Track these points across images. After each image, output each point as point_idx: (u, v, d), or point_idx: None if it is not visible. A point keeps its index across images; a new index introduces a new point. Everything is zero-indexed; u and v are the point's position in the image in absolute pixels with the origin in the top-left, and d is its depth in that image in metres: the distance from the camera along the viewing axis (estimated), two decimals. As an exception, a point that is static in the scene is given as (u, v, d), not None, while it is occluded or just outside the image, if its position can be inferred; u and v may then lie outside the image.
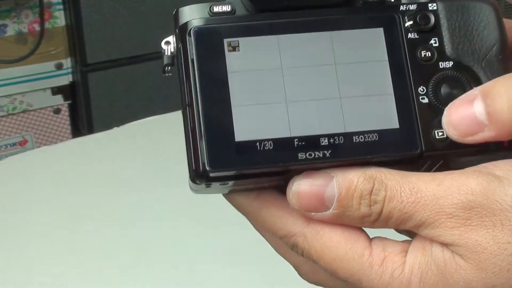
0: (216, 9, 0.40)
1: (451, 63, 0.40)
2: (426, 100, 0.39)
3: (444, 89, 0.40)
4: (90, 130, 1.75)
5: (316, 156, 0.38)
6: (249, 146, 0.38)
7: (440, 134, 0.39)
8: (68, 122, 1.80)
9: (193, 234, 0.83)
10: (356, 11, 0.40)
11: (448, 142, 0.38)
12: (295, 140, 0.38)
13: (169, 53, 0.41)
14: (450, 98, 0.39)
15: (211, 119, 0.38)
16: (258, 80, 0.38)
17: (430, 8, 0.40)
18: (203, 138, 0.37)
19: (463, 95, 0.37)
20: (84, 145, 1.08)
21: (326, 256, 0.38)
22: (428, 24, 0.40)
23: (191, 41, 0.39)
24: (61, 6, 1.68)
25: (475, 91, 0.37)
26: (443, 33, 0.40)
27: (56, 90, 1.76)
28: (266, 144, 0.38)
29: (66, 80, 1.75)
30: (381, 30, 0.40)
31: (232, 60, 0.38)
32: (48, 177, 0.97)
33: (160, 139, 1.04)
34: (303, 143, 0.38)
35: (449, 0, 0.40)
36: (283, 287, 0.74)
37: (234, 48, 0.39)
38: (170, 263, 0.79)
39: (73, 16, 1.67)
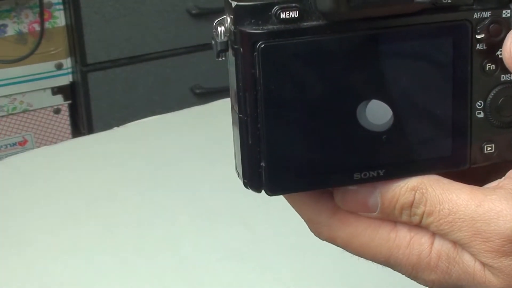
0: (283, 15, 0.35)
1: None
2: (481, 115, 0.39)
3: (502, 103, 0.38)
4: (90, 130, 1.75)
5: (371, 175, 0.38)
6: (310, 169, 0.38)
7: (489, 148, 0.39)
8: (68, 122, 1.80)
9: (193, 234, 0.83)
10: (431, 19, 0.37)
11: (495, 155, 0.39)
12: (354, 163, 0.38)
13: (223, 38, 0.37)
14: (507, 113, 0.38)
15: (275, 143, 0.37)
16: (325, 101, 0.37)
17: (503, 16, 0.38)
18: (263, 161, 0.37)
19: None
20: (84, 145, 1.08)
21: (353, 244, 0.39)
22: (499, 36, 0.38)
23: (257, 58, 0.36)
24: (61, 6, 1.68)
25: None
26: None
27: (56, 90, 1.76)
28: (326, 166, 0.38)
29: (66, 80, 1.75)
30: (451, 40, 0.38)
31: (302, 80, 0.36)
32: (48, 177, 0.97)
33: (160, 139, 1.04)
34: (360, 166, 0.38)
35: None
36: (286, 286, 0.74)
37: (304, 66, 0.36)
38: (171, 263, 0.79)
39: (73, 16, 1.67)
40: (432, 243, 0.38)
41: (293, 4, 0.35)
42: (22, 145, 1.77)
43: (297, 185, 0.38)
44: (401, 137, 0.38)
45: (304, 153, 0.37)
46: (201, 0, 1.74)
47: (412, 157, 0.38)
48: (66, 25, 1.70)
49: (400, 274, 0.41)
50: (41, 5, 1.63)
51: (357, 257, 0.41)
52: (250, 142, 0.37)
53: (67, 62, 1.73)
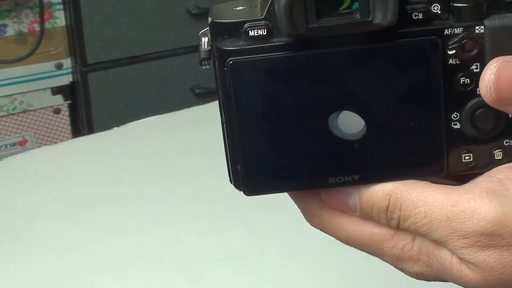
0: (252, 32, 0.38)
1: None
2: (458, 126, 0.39)
3: (478, 116, 0.39)
4: (90, 130, 1.75)
5: (346, 180, 0.40)
6: (284, 173, 0.40)
7: (467, 158, 0.40)
8: (68, 122, 1.80)
9: (193, 234, 0.83)
10: (399, 35, 0.38)
11: (474, 165, 0.40)
12: (328, 168, 0.40)
13: (205, 47, 0.39)
14: (483, 124, 0.39)
15: (248, 149, 0.40)
16: (295, 112, 0.39)
17: (476, 31, 0.38)
18: (239, 165, 0.40)
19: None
20: (84, 145, 1.08)
21: (341, 236, 0.41)
22: (472, 51, 0.38)
23: (228, 73, 0.38)
24: (61, 6, 1.68)
25: None
26: (486, 57, 0.38)
27: (56, 90, 1.76)
28: (299, 170, 0.40)
29: (66, 80, 1.75)
30: (420, 56, 0.38)
31: (270, 93, 0.39)
32: (48, 177, 0.97)
33: (160, 139, 1.03)
34: (334, 170, 0.40)
35: (494, 20, 0.37)
36: (285, 287, 0.74)
37: (271, 81, 0.38)
38: (171, 263, 0.79)
39: (73, 16, 1.67)
40: (413, 238, 0.40)
41: (263, 22, 0.37)
42: (22, 145, 1.77)
43: (273, 187, 0.41)
44: (374, 145, 0.40)
45: (277, 159, 0.40)
46: (201, 0, 1.74)
47: (387, 164, 0.40)
48: (66, 25, 1.70)
49: (403, 274, 0.42)
50: (41, 5, 1.63)
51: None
52: (230, 146, 0.40)
53: (67, 62, 1.73)
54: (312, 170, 0.40)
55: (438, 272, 0.40)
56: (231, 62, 0.38)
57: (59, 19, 1.69)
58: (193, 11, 1.75)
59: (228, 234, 0.82)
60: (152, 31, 1.74)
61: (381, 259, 0.42)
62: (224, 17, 0.38)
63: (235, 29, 0.38)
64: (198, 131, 1.02)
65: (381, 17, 0.36)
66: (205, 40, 0.39)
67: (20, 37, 1.67)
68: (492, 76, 0.36)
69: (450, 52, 0.38)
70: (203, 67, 0.40)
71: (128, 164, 0.98)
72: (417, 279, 0.41)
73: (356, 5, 0.37)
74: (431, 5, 0.37)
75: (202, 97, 1.76)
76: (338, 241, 0.43)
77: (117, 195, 0.91)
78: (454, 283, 0.40)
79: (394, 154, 0.40)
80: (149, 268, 0.79)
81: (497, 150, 0.40)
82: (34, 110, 1.75)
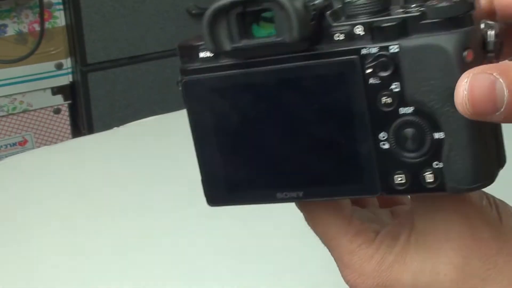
0: (201, 54, 0.41)
1: (411, 108, 0.38)
2: (386, 146, 0.39)
3: (404, 136, 0.38)
4: (90, 130, 1.75)
5: (291, 196, 0.42)
6: (236, 187, 0.43)
7: (399, 179, 0.39)
8: (68, 122, 1.80)
9: (194, 233, 0.83)
10: (321, 56, 0.39)
11: (407, 187, 0.39)
12: (275, 183, 0.42)
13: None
14: (410, 145, 0.38)
15: (205, 162, 0.43)
16: (239, 129, 0.41)
17: (391, 51, 0.38)
18: (202, 178, 0.44)
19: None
20: (84, 145, 1.08)
21: (317, 227, 0.44)
22: (388, 70, 0.38)
23: (182, 91, 0.42)
24: (61, 6, 1.68)
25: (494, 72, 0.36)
26: (404, 77, 0.38)
27: (56, 90, 1.76)
28: (249, 184, 0.42)
29: (66, 80, 1.75)
30: (341, 76, 0.39)
31: (217, 110, 0.41)
32: (48, 177, 0.97)
33: (160, 139, 1.03)
34: (280, 186, 0.42)
35: (410, 40, 0.37)
36: (285, 282, 0.74)
37: (217, 99, 0.41)
38: (171, 262, 0.79)
39: (73, 16, 1.67)
40: (374, 240, 0.43)
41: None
42: (22, 145, 1.77)
43: (229, 199, 0.43)
44: (311, 163, 0.41)
45: (229, 173, 0.43)
46: (201, 0, 1.74)
47: (326, 182, 0.41)
48: (66, 25, 1.70)
49: None
50: (41, 5, 1.63)
51: None
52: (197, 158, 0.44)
53: (67, 62, 1.73)
54: (261, 185, 0.42)
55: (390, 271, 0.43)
56: (183, 81, 0.42)
57: (59, 19, 1.69)
58: (193, 11, 1.75)
59: (228, 234, 0.82)
60: (152, 31, 1.74)
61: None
62: (191, 40, 0.42)
63: (193, 52, 0.41)
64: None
65: (288, 36, 0.38)
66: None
67: (20, 37, 1.67)
68: (465, 92, 0.35)
69: (367, 71, 0.38)
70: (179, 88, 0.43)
71: (128, 164, 0.98)
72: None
73: (272, 26, 0.39)
74: (354, 27, 0.38)
75: (202, 97, 1.76)
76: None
77: (117, 195, 0.91)
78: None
79: (330, 172, 0.40)
80: (149, 267, 0.79)
81: (427, 173, 0.38)
82: (34, 110, 1.76)
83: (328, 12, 0.39)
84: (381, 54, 0.38)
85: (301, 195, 0.41)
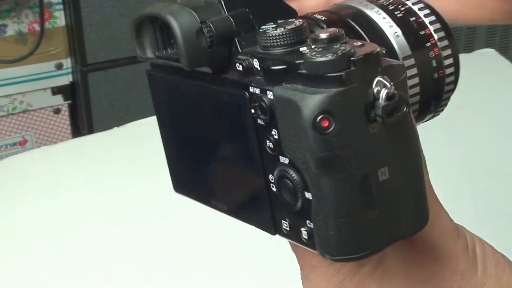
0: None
1: (287, 159, 0.34)
2: (274, 189, 0.36)
3: (283, 185, 0.35)
4: (90, 130, 1.75)
5: (221, 207, 0.40)
6: (186, 182, 0.42)
7: (284, 225, 0.36)
8: (68, 122, 1.80)
9: (194, 233, 0.83)
10: (221, 82, 0.36)
11: (291, 236, 0.36)
12: (208, 189, 0.41)
13: None
14: (288, 196, 0.35)
15: (167, 151, 0.43)
16: (178, 130, 0.41)
17: (268, 96, 0.34)
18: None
19: None
20: (84, 145, 1.08)
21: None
22: (265, 115, 0.34)
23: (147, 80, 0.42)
24: (61, 6, 1.68)
25: None
26: (279, 126, 0.34)
27: (56, 90, 1.76)
28: (193, 183, 0.42)
29: (66, 80, 1.75)
30: (235, 107, 0.36)
31: (165, 105, 0.41)
32: (48, 177, 0.97)
33: (160, 139, 1.03)
34: (212, 194, 0.41)
35: (282, 89, 0.33)
36: (284, 286, 0.74)
37: (165, 96, 0.41)
38: (171, 262, 0.79)
39: (73, 16, 1.67)
40: None
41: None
42: (22, 145, 1.77)
43: (185, 190, 0.43)
44: (228, 182, 0.39)
45: (180, 166, 0.42)
46: (201, 0, 1.74)
47: (240, 205, 0.39)
48: (66, 25, 1.70)
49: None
50: (41, 5, 1.63)
51: None
52: None
53: (67, 62, 1.73)
54: (200, 186, 0.41)
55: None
56: (147, 72, 0.41)
57: (59, 19, 1.69)
58: (193, 11, 1.75)
59: (227, 234, 0.82)
60: (152, 31, 1.74)
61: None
62: None
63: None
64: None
65: (183, 62, 0.36)
66: None
67: (20, 37, 1.67)
68: None
69: (252, 111, 0.35)
70: None
71: (128, 164, 0.98)
72: None
73: None
74: (253, 60, 0.35)
75: (202, 97, 1.76)
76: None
77: (117, 195, 0.91)
78: None
79: (240, 196, 0.39)
80: (149, 266, 0.79)
81: (303, 229, 0.35)
82: (34, 110, 1.75)
83: (241, 36, 0.36)
84: (260, 98, 0.34)
85: (226, 209, 0.40)
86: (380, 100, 0.32)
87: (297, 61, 0.33)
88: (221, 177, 0.40)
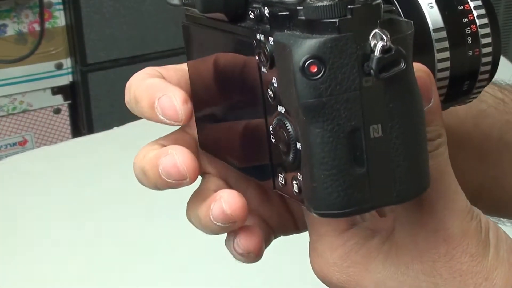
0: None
1: (284, 108, 0.34)
2: (273, 140, 0.35)
3: (279, 135, 0.34)
4: (90, 130, 1.75)
5: (233, 163, 0.40)
6: (213, 140, 0.41)
7: (280, 179, 0.35)
8: (68, 122, 1.80)
9: (194, 233, 0.83)
10: (236, 29, 0.36)
11: (286, 190, 0.35)
12: (224, 142, 0.40)
13: None
14: (282, 146, 0.34)
15: (196, 108, 0.40)
16: (205, 84, 0.40)
17: (270, 43, 0.33)
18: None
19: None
20: (84, 145, 1.08)
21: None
22: (267, 62, 0.34)
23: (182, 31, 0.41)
24: (61, 6, 1.68)
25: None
26: (278, 74, 0.33)
27: (56, 90, 1.76)
28: (218, 142, 0.41)
29: (66, 80, 1.75)
30: (244, 55, 0.36)
31: (196, 58, 0.40)
32: (48, 177, 0.97)
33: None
34: (234, 154, 0.40)
35: (282, 35, 0.33)
36: (284, 286, 0.74)
37: (196, 47, 0.41)
38: (171, 262, 0.79)
39: (73, 16, 1.67)
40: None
41: None
42: (22, 145, 1.77)
43: (208, 148, 0.42)
44: (237, 138, 0.39)
45: (207, 122, 0.41)
46: (201, 0, 1.74)
47: (247, 159, 0.39)
48: (66, 25, 1.70)
49: None
50: (41, 5, 1.63)
51: None
52: None
53: (67, 62, 1.73)
54: (217, 143, 0.41)
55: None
56: (182, 23, 0.41)
57: (59, 19, 1.69)
58: (193, 11, 1.75)
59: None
60: (152, 31, 1.74)
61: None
62: None
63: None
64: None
65: (197, 7, 0.36)
66: None
67: (20, 37, 1.67)
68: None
69: (256, 58, 0.34)
70: None
71: (128, 164, 0.98)
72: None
73: None
74: (264, 7, 0.34)
75: (202, 97, 1.76)
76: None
77: (116, 195, 0.91)
78: None
79: (244, 150, 0.38)
80: (149, 266, 0.79)
81: (294, 182, 0.34)
82: (34, 110, 1.75)
83: None
84: (263, 45, 0.34)
85: (236, 164, 0.39)
86: (375, 53, 0.31)
87: (298, 7, 0.32)
88: (234, 131, 0.39)
